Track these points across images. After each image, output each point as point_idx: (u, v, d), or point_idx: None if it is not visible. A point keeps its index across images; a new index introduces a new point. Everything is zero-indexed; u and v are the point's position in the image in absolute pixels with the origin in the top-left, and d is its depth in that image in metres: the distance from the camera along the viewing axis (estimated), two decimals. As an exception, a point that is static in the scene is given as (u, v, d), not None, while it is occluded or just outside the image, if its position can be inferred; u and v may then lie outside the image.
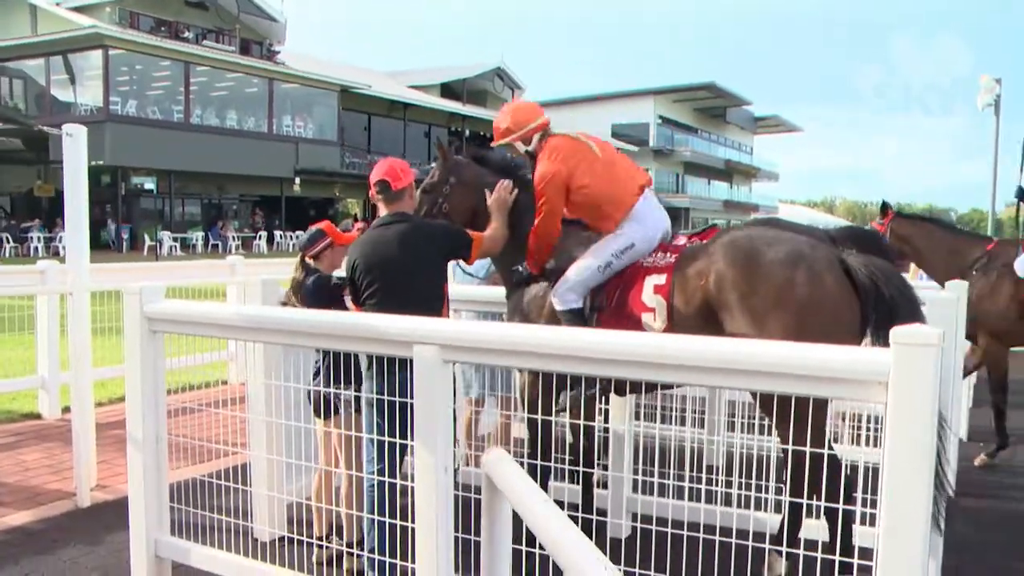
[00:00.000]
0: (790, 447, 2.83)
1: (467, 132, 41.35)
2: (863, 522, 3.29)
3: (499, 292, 4.14)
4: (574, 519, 1.71)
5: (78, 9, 30.54)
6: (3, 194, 32.73)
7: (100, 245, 26.77)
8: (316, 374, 3.72)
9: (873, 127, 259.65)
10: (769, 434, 3.98)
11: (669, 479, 3.73)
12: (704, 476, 3.70)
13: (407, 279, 3.37)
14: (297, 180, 34.35)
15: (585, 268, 3.61)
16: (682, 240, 3.81)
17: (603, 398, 4.04)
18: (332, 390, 3.59)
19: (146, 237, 29.18)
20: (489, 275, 4.86)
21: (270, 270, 7.86)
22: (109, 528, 4.18)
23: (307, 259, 3.87)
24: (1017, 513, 4.79)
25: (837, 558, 2.70)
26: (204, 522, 3.57)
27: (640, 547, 2.91)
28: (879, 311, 3.13)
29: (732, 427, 4.86)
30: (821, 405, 3.09)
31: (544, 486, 3.57)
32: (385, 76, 44.05)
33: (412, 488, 2.68)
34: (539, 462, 3.49)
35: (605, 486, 4.33)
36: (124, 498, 3.62)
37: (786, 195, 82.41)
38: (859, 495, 3.32)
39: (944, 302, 3.52)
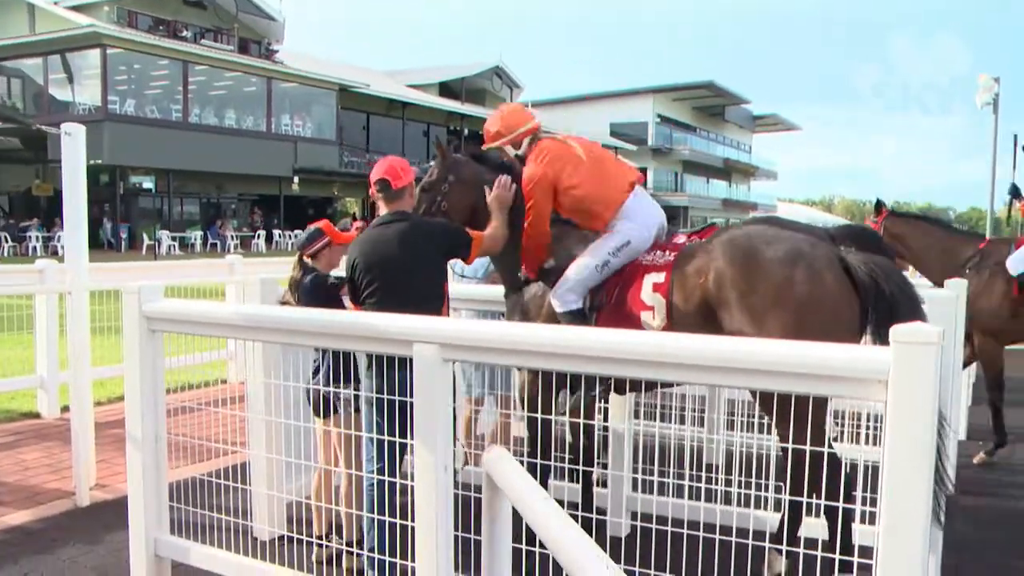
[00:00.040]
0: (790, 445, 2.83)
1: (466, 131, 41.33)
2: (863, 520, 3.29)
3: (498, 291, 4.14)
4: (574, 518, 1.71)
5: (76, 8, 30.48)
6: (1, 193, 32.70)
7: (97, 244, 26.74)
8: (315, 372, 3.72)
9: (871, 126, 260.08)
10: (768, 432, 3.98)
11: (669, 478, 3.73)
12: (704, 475, 3.70)
13: (407, 278, 3.37)
14: (295, 179, 34.33)
15: (584, 267, 3.61)
16: (681, 238, 3.81)
17: (603, 398, 4.05)
18: (331, 389, 3.59)
19: (144, 236, 29.18)
20: (488, 275, 4.86)
21: (269, 269, 7.86)
22: (108, 527, 4.17)
23: (305, 258, 3.86)
24: (1016, 511, 4.80)
25: (837, 556, 2.71)
26: (204, 521, 3.56)
27: (640, 546, 2.91)
28: (879, 309, 3.13)
29: (732, 426, 4.87)
30: (821, 403, 3.09)
31: (544, 485, 3.57)
32: (383, 75, 44.02)
33: (412, 487, 2.68)
34: (539, 461, 3.49)
35: (605, 485, 4.34)
36: (123, 497, 3.61)
37: (785, 194, 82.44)
38: (859, 493, 3.32)
39: (944, 300, 3.51)
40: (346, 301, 3.66)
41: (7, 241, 27.27)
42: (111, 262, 11.80)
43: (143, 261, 21.32)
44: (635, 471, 4.23)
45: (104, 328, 6.39)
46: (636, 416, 4.44)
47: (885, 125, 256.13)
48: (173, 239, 29.89)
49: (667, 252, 3.58)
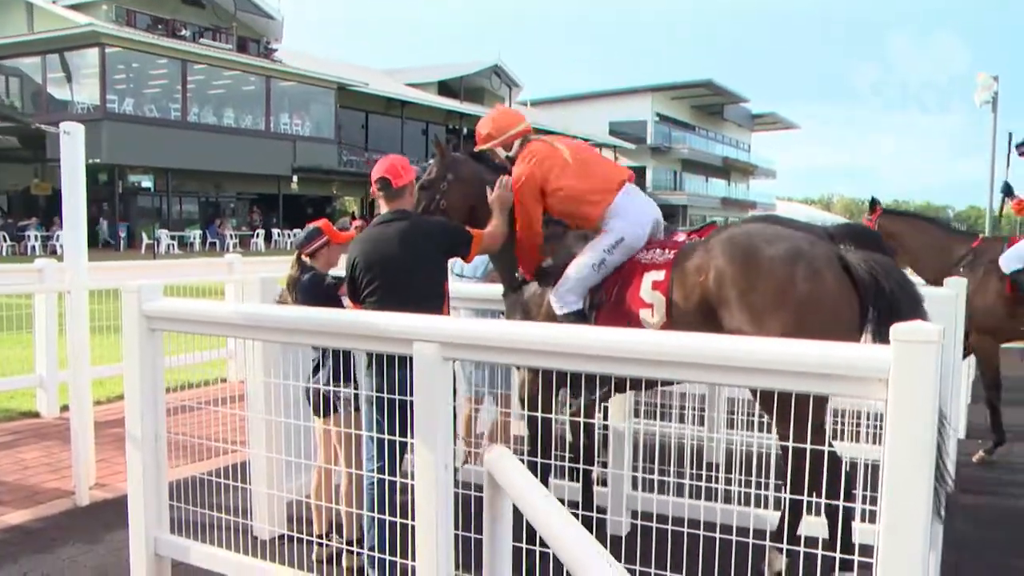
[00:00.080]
0: (790, 444, 2.83)
1: (464, 130, 41.26)
2: (863, 519, 3.30)
3: (497, 290, 4.14)
4: (573, 516, 1.70)
5: (74, 7, 30.44)
6: (0, 192, 32.67)
7: (93, 243, 26.67)
8: (315, 371, 3.72)
9: (870, 125, 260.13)
10: (768, 431, 3.98)
11: (669, 476, 3.73)
12: (704, 473, 3.70)
13: (407, 277, 3.37)
14: (294, 178, 34.29)
15: (582, 267, 3.62)
16: (681, 237, 3.81)
17: (607, 399, 4.05)
18: (331, 388, 3.59)
19: (143, 235, 29.15)
20: (487, 273, 4.86)
21: (268, 268, 7.86)
22: (108, 526, 4.17)
23: (303, 257, 3.87)
24: (1015, 510, 4.80)
25: (838, 555, 2.71)
26: (204, 520, 3.56)
27: (640, 544, 2.91)
28: (879, 307, 3.13)
29: (732, 424, 4.87)
30: (821, 402, 3.09)
31: (544, 483, 3.57)
32: (382, 74, 43.99)
33: (412, 486, 2.68)
34: (539, 459, 3.49)
35: (605, 483, 4.34)
36: (123, 496, 3.61)
37: (783, 192, 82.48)
38: (859, 492, 3.32)
39: (944, 299, 3.51)
40: (345, 301, 3.66)
41: (6, 240, 27.24)
42: (110, 261, 11.78)
43: (142, 260, 21.30)
44: (635, 470, 4.23)
45: (103, 327, 6.38)
46: (636, 415, 4.45)
47: (884, 124, 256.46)
48: (172, 238, 29.84)
49: (667, 250, 3.59)
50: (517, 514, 1.95)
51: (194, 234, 31.59)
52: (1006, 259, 5.62)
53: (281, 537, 3.97)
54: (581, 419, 3.74)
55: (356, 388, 3.64)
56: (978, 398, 6.64)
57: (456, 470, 2.89)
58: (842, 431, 4.50)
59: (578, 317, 3.60)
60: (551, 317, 3.65)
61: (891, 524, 1.83)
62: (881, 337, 3.02)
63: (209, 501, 3.62)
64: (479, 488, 2.16)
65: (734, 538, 2.80)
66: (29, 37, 29.91)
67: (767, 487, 3.77)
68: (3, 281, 6.64)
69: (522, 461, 2.08)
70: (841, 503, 3.12)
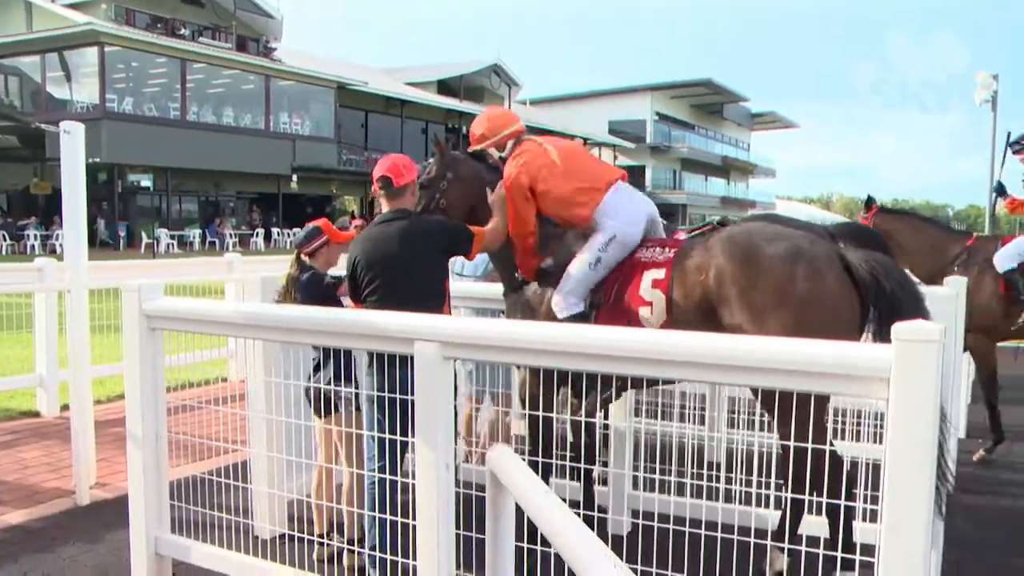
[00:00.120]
0: (791, 443, 2.83)
1: (464, 129, 41.16)
2: (864, 518, 3.30)
3: (497, 289, 4.13)
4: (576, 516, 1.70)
5: (74, 6, 30.42)
6: (0, 192, 32.65)
7: (91, 243, 26.66)
8: (315, 370, 3.72)
9: (870, 124, 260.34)
10: (769, 430, 3.98)
11: (669, 475, 3.73)
12: (705, 472, 3.70)
13: (408, 276, 3.37)
14: (294, 177, 34.28)
15: (581, 266, 3.63)
16: (681, 236, 3.81)
17: (614, 399, 4.05)
18: (332, 387, 3.59)
19: (143, 234, 29.13)
20: (487, 273, 4.86)
21: (267, 267, 7.85)
22: (109, 526, 4.17)
23: (303, 256, 3.87)
24: (1015, 510, 4.80)
25: (839, 554, 2.71)
26: (204, 520, 3.56)
27: (641, 544, 2.91)
28: (880, 306, 3.13)
29: (732, 423, 4.87)
30: (822, 401, 3.09)
31: (545, 482, 3.57)
32: (382, 73, 43.96)
33: (413, 485, 2.68)
34: (539, 459, 3.49)
35: (605, 483, 4.34)
36: (124, 496, 3.61)
37: (783, 191, 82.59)
38: (860, 491, 3.32)
39: (944, 298, 3.52)
40: (345, 300, 3.66)
41: (5, 239, 27.23)
42: (109, 260, 11.77)
43: (142, 259, 21.29)
44: (636, 469, 4.23)
45: (103, 326, 6.37)
46: (637, 414, 4.45)
47: (883, 123, 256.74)
48: (171, 237, 29.84)
49: (667, 249, 3.59)
50: (517, 513, 1.95)
51: (194, 233, 31.58)
52: (1000, 258, 5.64)
53: (282, 536, 3.96)
54: (582, 418, 3.73)
55: (357, 387, 3.64)
56: (978, 397, 6.64)
57: (456, 469, 2.89)
58: (843, 430, 4.51)
59: (579, 319, 3.60)
60: (552, 316, 3.65)
61: (892, 523, 1.83)
62: (882, 336, 3.02)
63: (210, 500, 3.61)
64: (479, 487, 2.16)
65: (735, 537, 2.80)
66: (28, 36, 29.89)
67: (768, 486, 3.77)
68: (3, 280, 6.63)
69: (523, 460, 2.08)
70: (842, 502, 3.12)
